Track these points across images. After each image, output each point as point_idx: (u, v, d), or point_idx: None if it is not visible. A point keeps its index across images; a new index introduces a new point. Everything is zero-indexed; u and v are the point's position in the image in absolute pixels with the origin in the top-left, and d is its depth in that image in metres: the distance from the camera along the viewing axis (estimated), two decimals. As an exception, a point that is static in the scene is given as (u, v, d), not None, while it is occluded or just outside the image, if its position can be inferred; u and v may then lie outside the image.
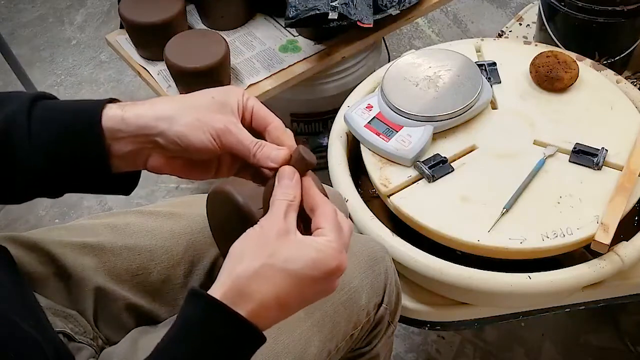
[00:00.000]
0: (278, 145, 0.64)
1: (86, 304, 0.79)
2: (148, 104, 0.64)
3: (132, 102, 0.65)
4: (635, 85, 1.19)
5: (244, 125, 0.65)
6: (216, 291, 0.58)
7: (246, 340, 0.59)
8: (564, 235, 0.96)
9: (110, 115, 0.63)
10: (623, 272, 0.99)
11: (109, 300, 0.80)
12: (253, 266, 0.58)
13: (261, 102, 0.67)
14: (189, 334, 0.58)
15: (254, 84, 1.30)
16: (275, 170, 0.63)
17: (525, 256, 0.97)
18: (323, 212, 0.62)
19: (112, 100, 0.65)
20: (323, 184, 0.80)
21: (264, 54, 1.36)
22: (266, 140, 0.64)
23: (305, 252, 0.59)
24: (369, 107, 1.10)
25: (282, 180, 0.62)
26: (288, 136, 0.65)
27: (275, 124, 0.65)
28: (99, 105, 0.63)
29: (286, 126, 0.67)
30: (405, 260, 0.99)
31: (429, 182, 1.03)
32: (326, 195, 0.65)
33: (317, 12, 1.22)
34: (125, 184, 0.69)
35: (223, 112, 0.64)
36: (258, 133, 0.65)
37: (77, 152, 0.63)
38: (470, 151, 1.07)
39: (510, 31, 1.51)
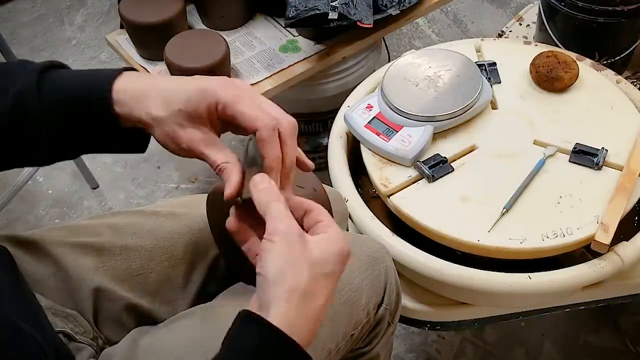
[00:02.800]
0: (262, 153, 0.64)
1: (86, 304, 0.79)
2: (137, 99, 0.65)
3: (125, 90, 0.65)
4: (635, 85, 1.19)
5: (223, 125, 0.66)
6: (273, 319, 0.57)
7: None
8: (564, 235, 0.96)
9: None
10: (623, 272, 0.99)
11: (109, 300, 0.80)
12: (301, 284, 0.58)
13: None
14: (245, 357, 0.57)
15: (254, 84, 1.30)
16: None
17: (525, 256, 0.97)
18: (318, 212, 0.63)
19: (118, 73, 0.66)
20: (323, 184, 0.81)
21: (264, 54, 1.36)
22: None
23: (331, 249, 0.60)
24: (369, 107, 1.10)
25: (260, 184, 0.62)
26: (270, 146, 0.63)
27: (260, 135, 0.62)
28: (106, 91, 0.65)
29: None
30: (405, 260, 0.99)
31: (429, 182, 1.03)
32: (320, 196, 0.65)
33: (317, 12, 1.22)
34: (140, 141, 0.70)
35: (194, 125, 0.64)
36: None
37: (88, 126, 0.66)
38: (470, 151, 1.07)
39: (510, 31, 1.51)
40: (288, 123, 0.64)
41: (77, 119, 0.66)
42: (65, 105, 0.65)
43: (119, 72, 0.66)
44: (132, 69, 0.69)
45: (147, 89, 0.65)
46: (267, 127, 0.62)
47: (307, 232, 0.62)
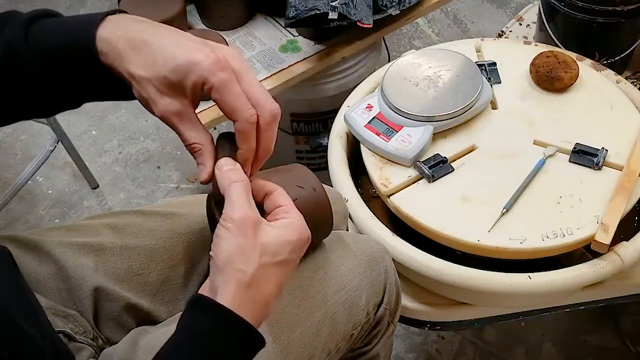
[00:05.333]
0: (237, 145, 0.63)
1: (86, 303, 0.79)
2: (121, 53, 0.62)
3: (110, 40, 0.63)
4: (635, 85, 1.19)
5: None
6: (223, 300, 0.59)
7: (251, 345, 0.60)
8: (564, 235, 0.96)
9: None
10: (623, 272, 0.99)
11: (109, 300, 0.80)
12: (249, 271, 0.59)
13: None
14: (196, 341, 0.58)
15: (254, 83, 1.30)
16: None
17: (525, 256, 0.97)
18: (278, 193, 0.64)
19: (102, 19, 0.63)
20: (323, 184, 0.81)
21: (264, 54, 1.36)
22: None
23: (286, 238, 0.61)
24: (369, 107, 1.10)
25: (225, 167, 0.62)
26: (246, 138, 0.62)
27: (237, 126, 0.62)
28: (90, 41, 0.63)
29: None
30: (405, 260, 0.99)
31: (429, 182, 1.03)
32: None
33: (317, 12, 1.22)
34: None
35: (174, 94, 0.61)
36: None
37: (79, 75, 0.64)
38: (470, 151, 1.07)
39: (510, 31, 1.51)
40: (269, 112, 0.62)
41: (67, 69, 0.64)
42: (52, 56, 0.63)
43: (103, 17, 0.63)
44: (122, 11, 0.66)
45: (134, 43, 0.62)
46: (246, 120, 0.61)
47: (268, 214, 0.63)
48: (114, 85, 0.65)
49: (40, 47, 0.63)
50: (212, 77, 0.60)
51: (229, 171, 0.62)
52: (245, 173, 0.64)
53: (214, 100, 0.62)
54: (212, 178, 0.63)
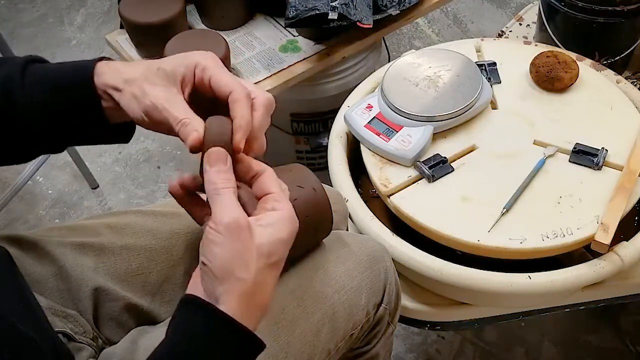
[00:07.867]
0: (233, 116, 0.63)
1: (86, 303, 0.79)
2: (118, 69, 0.67)
3: (108, 63, 0.68)
4: (635, 85, 1.19)
5: (200, 95, 0.66)
6: (226, 309, 0.58)
7: (251, 351, 0.60)
8: (564, 235, 0.96)
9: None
10: (623, 272, 0.99)
11: (109, 300, 0.80)
12: (249, 278, 0.58)
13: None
14: (195, 347, 0.58)
15: (254, 84, 1.30)
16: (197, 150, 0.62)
17: (525, 256, 0.97)
18: (267, 175, 0.62)
19: (101, 59, 0.68)
20: (323, 184, 0.81)
21: (264, 54, 1.36)
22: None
23: (279, 237, 0.59)
24: (369, 107, 1.10)
25: (217, 164, 0.60)
26: (241, 106, 0.63)
27: (233, 96, 0.63)
28: (89, 67, 0.67)
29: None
30: (405, 260, 0.99)
31: (429, 182, 1.03)
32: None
33: (317, 12, 1.22)
34: (123, 132, 0.71)
35: (165, 83, 0.65)
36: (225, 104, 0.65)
37: (72, 108, 0.67)
38: (470, 151, 1.07)
39: (510, 31, 1.51)
40: (263, 95, 0.65)
41: (60, 101, 0.67)
42: (47, 87, 0.67)
43: (105, 57, 0.69)
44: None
45: (132, 64, 0.67)
46: (242, 91, 0.63)
47: (257, 199, 0.62)
48: (102, 126, 0.69)
49: (35, 80, 0.67)
50: (205, 60, 0.66)
51: (220, 173, 0.60)
52: (239, 146, 0.62)
53: (208, 83, 0.65)
54: (201, 143, 0.61)
